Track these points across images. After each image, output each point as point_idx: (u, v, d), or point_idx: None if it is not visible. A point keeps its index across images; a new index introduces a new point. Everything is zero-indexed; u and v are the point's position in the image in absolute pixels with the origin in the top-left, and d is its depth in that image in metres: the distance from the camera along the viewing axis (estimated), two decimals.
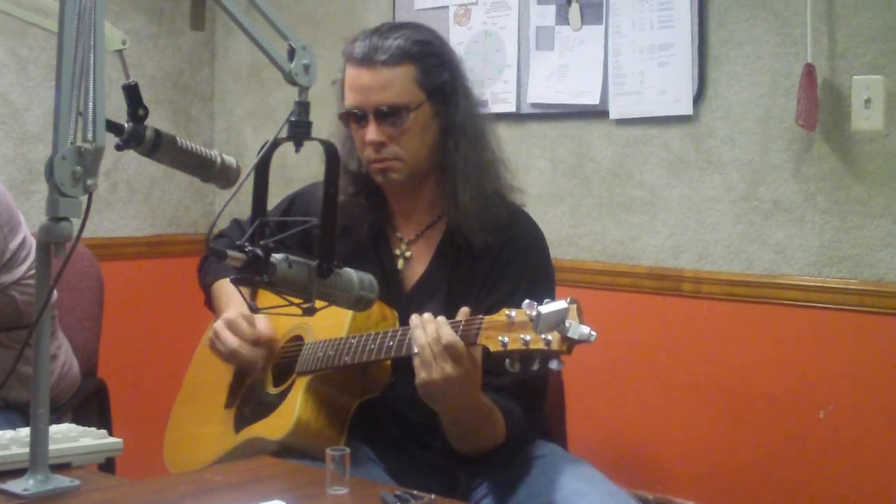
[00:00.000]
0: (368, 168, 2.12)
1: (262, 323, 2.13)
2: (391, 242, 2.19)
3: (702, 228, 2.91)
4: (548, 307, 1.68)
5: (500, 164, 2.16)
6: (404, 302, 2.11)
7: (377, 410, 2.07)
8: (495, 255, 2.09)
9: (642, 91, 2.98)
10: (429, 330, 1.82)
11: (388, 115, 2.05)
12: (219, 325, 2.13)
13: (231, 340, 2.10)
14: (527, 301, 1.74)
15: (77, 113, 1.46)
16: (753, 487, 2.81)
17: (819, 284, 2.71)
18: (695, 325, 2.93)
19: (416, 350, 1.83)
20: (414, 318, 1.86)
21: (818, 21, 2.67)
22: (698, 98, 2.90)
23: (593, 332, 1.67)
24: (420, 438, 2.10)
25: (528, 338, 1.71)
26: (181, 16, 3.89)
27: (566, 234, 3.14)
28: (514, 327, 1.74)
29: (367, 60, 2.06)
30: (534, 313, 1.68)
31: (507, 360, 1.75)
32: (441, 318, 1.84)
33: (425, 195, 2.16)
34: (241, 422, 2.15)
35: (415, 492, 1.60)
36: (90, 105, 1.46)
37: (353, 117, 2.09)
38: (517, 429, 1.98)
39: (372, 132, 2.06)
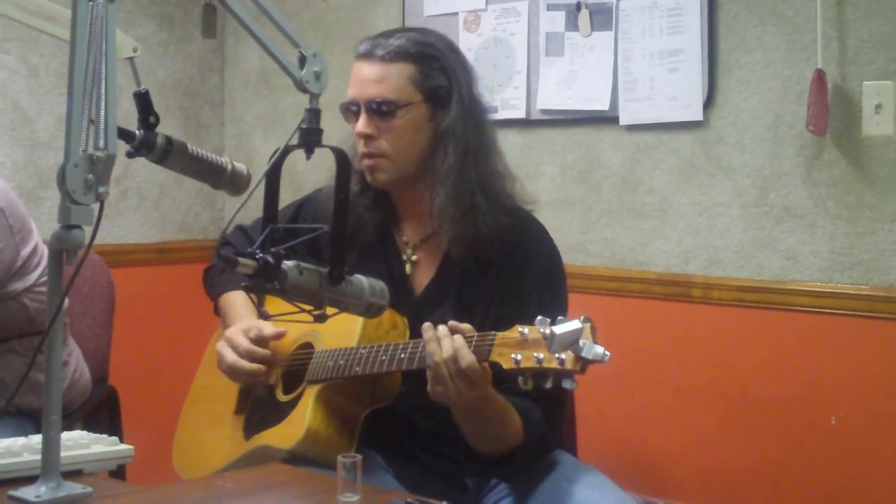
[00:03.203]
0: (361, 165, 2.11)
1: (268, 329, 2.12)
2: (398, 245, 2.18)
3: (712, 234, 2.91)
4: (562, 327, 1.65)
5: (501, 177, 2.11)
6: (414, 307, 2.10)
7: (387, 418, 2.07)
8: (505, 261, 2.07)
9: (652, 97, 2.98)
10: (444, 347, 1.79)
11: (378, 108, 2.06)
12: (220, 344, 2.14)
13: (229, 355, 2.11)
14: (539, 318, 1.72)
15: (89, 120, 1.47)
16: (764, 494, 2.80)
17: (830, 290, 2.71)
18: (705, 331, 2.92)
19: (429, 363, 1.81)
20: (428, 331, 1.83)
21: (828, 27, 2.67)
22: (708, 104, 2.89)
23: (607, 353, 1.65)
24: (430, 446, 2.10)
25: (541, 356, 1.70)
26: (192, 23, 3.90)
27: (576, 240, 3.14)
28: (528, 345, 1.73)
29: (367, 55, 2.08)
30: (547, 332, 1.66)
31: (520, 378, 1.74)
32: (458, 338, 1.80)
33: (427, 202, 2.12)
34: (250, 428, 2.15)
35: (425, 499, 1.60)
36: (102, 112, 1.47)
37: (349, 110, 2.10)
38: (536, 429, 1.95)
39: (361, 123, 2.07)
